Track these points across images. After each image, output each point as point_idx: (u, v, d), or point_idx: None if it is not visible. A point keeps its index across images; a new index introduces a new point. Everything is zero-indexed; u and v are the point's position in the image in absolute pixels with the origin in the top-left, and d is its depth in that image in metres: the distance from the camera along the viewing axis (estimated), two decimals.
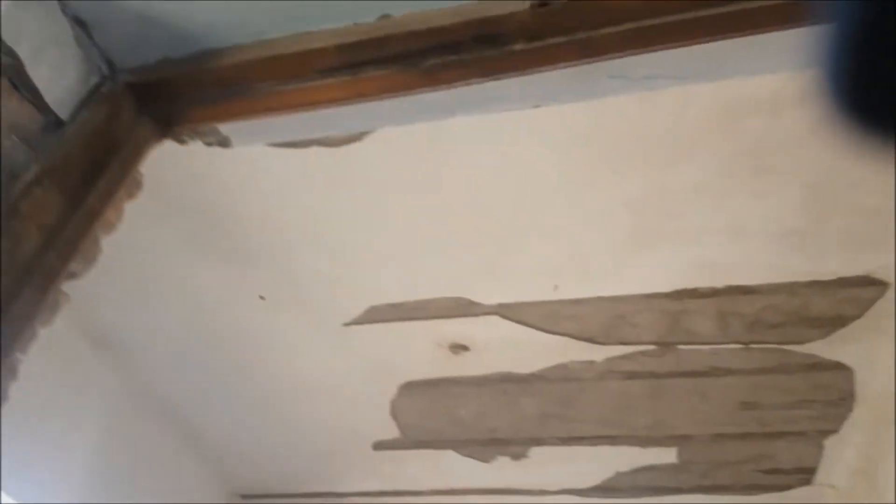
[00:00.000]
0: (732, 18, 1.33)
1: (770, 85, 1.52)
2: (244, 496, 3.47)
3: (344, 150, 1.77)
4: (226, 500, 3.41)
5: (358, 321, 2.36)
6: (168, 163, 1.72)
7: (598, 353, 2.35)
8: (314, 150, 1.77)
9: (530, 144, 1.72)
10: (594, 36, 1.38)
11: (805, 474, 2.79)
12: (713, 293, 2.08)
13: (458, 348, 2.43)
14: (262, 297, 2.32)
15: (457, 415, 2.74)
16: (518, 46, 1.40)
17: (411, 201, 1.90)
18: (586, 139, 1.70)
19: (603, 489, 3.05)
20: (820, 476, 2.78)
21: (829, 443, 2.60)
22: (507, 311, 2.24)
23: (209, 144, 1.75)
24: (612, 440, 2.74)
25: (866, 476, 2.50)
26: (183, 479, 3.10)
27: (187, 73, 1.52)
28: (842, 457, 2.63)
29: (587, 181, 1.80)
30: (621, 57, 1.41)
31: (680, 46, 1.39)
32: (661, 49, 1.39)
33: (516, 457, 2.94)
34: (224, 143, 1.75)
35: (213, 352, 2.58)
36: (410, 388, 2.66)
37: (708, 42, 1.37)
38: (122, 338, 2.51)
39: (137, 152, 1.58)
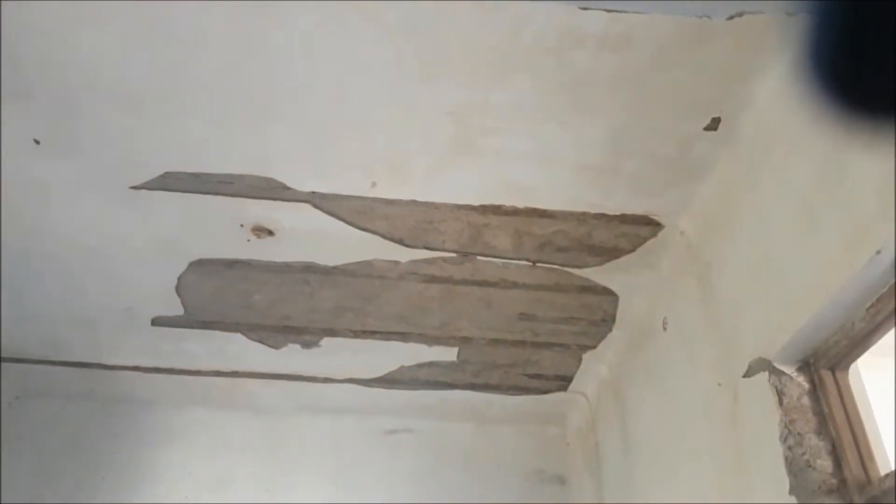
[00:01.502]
0: None
1: (600, 22, 1.57)
2: None
3: None
4: None
5: (149, 186, 2.14)
6: None
7: (404, 255, 2.40)
8: None
9: (368, 31, 1.63)
10: None
11: (563, 381, 3.19)
12: (514, 212, 2.20)
13: (262, 231, 2.32)
14: (36, 141, 1.99)
15: (250, 299, 2.67)
16: None
17: (228, 59, 1.71)
18: (425, 37, 1.64)
19: (385, 380, 3.22)
20: (575, 384, 3.20)
21: (587, 357, 2.97)
22: (321, 201, 2.18)
23: None
24: (403, 337, 2.87)
25: (613, 389, 2.92)
26: None
27: None
28: (596, 370, 3.04)
29: (417, 82, 1.76)
30: None
31: None
32: None
33: (307, 345, 2.96)
34: None
35: None
36: (202, 266, 2.52)
37: None
38: None
39: None
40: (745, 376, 1.75)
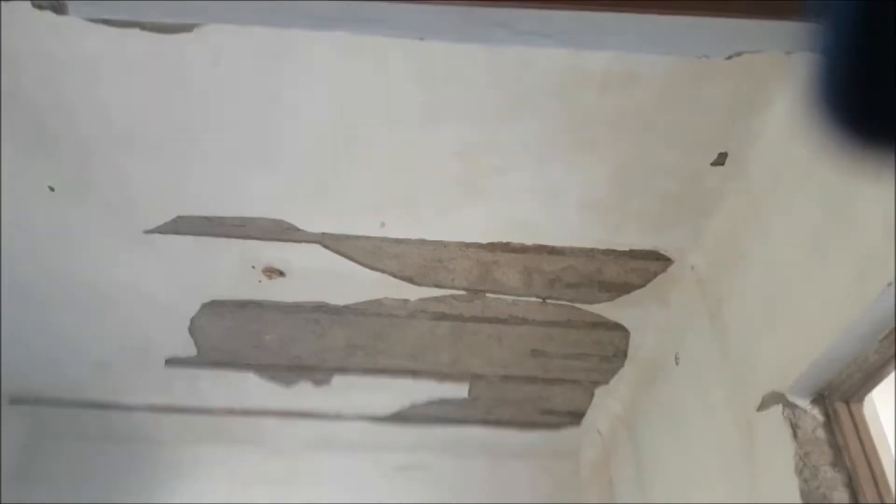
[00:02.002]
0: None
1: (603, 61, 1.60)
2: (13, 400, 3.14)
3: (169, 39, 1.57)
4: None
5: (162, 230, 2.18)
6: None
7: (413, 293, 2.42)
8: (134, 32, 1.55)
9: (375, 74, 1.66)
10: None
11: (575, 417, 3.16)
12: (523, 249, 2.22)
13: (273, 273, 2.35)
14: (51, 188, 2.04)
15: (262, 339, 2.68)
16: None
17: (239, 108, 1.75)
18: (431, 79, 1.67)
19: (397, 417, 3.20)
20: (587, 420, 3.17)
21: (599, 392, 2.95)
22: (331, 242, 2.20)
23: (40, 8, 1.47)
24: (414, 374, 2.86)
25: (626, 425, 2.89)
26: None
27: None
28: (608, 406, 3.01)
29: (423, 123, 1.79)
30: (511, 8, 1.40)
31: (568, 9, 1.40)
32: (551, 8, 1.40)
33: (318, 383, 2.96)
34: (58, 9, 1.48)
35: None
36: (215, 308, 2.54)
37: (595, 11, 1.40)
38: None
39: None
40: (758, 410, 1.73)
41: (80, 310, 2.57)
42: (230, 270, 2.35)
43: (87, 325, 2.65)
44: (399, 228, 2.15)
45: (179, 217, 2.13)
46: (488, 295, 2.41)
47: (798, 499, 1.52)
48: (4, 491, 3.17)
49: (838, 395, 1.57)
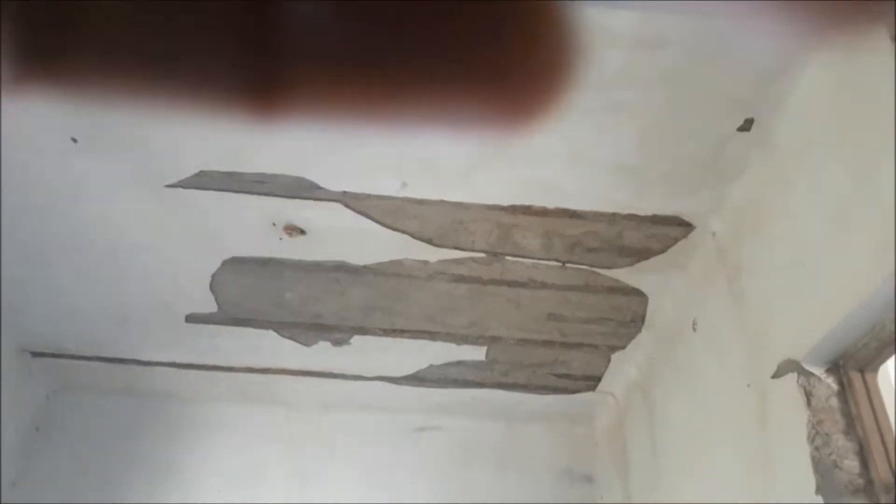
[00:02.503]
0: None
1: (633, 22, 1.57)
2: (34, 353, 3.23)
3: None
4: (13, 355, 3.15)
5: (184, 185, 2.19)
6: None
7: (433, 255, 2.43)
8: None
9: None
10: None
11: (591, 382, 3.19)
12: (544, 212, 2.21)
13: (294, 230, 2.37)
14: (73, 140, 2.06)
15: (282, 297, 2.72)
16: None
17: None
18: None
19: (414, 378, 3.25)
20: (603, 384, 3.19)
21: (616, 357, 2.97)
22: (352, 201, 2.21)
23: None
24: (431, 336, 2.89)
25: (642, 390, 2.91)
26: None
27: None
28: (624, 371, 3.03)
29: None
30: None
31: None
32: None
33: (338, 343, 3.00)
34: None
35: (10, 195, 2.26)
36: (235, 264, 2.57)
37: None
38: None
39: None
40: (773, 377, 1.74)
41: (101, 264, 2.60)
42: (251, 227, 2.37)
43: (109, 279, 2.69)
44: (420, 189, 2.15)
45: (202, 172, 2.14)
46: (508, 258, 2.42)
47: (809, 466, 1.53)
48: (26, 443, 3.27)
49: (853, 365, 1.58)
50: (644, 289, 2.52)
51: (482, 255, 2.41)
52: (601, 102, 1.80)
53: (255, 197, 2.22)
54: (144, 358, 3.23)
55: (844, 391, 1.59)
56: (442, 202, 2.19)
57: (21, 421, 3.26)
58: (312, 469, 3.35)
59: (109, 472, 3.28)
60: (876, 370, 1.57)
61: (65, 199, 2.29)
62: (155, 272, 2.64)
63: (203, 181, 2.17)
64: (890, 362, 1.56)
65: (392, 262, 2.48)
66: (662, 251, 2.31)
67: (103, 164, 2.13)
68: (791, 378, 1.66)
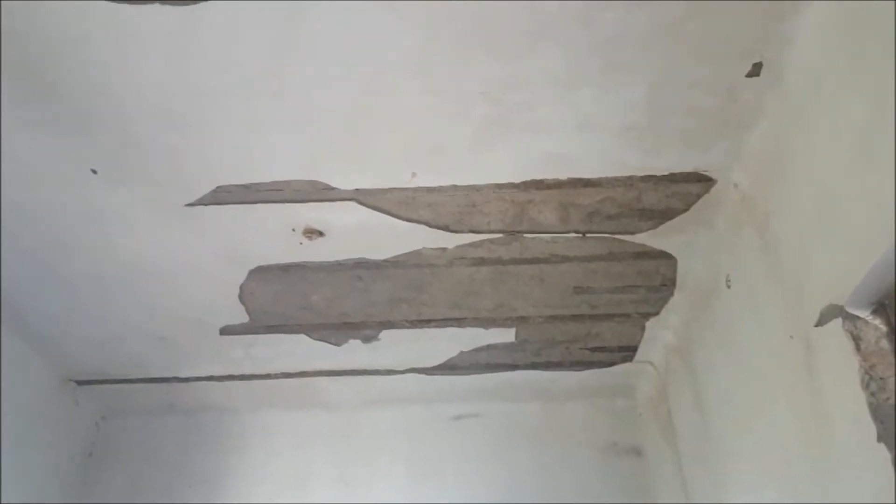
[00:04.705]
0: None
1: None
2: (79, 381, 3.31)
3: (190, 9, 1.58)
4: (58, 384, 3.24)
5: (203, 202, 2.22)
6: None
7: (450, 241, 2.41)
8: (157, 7, 1.57)
9: (392, 21, 1.63)
10: None
11: (627, 352, 3.14)
12: (557, 185, 2.17)
13: (313, 233, 2.38)
14: (94, 171, 2.09)
15: (309, 300, 2.73)
16: None
17: (260, 66, 1.75)
18: (448, 20, 1.63)
19: (447, 367, 3.24)
20: (640, 354, 3.14)
21: (650, 324, 2.91)
22: (365, 197, 2.21)
23: None
24: (458, 322, 2.88)
25: (681, 354, 2.85)
26: (11, 365, 2.88)
27: None
28: (661, 337, 2.98)
29: (446, 66, 1.75)
30: None
31: None
32: None
33: (367, 339, 3.01)
34: None
35: (39, 230, 2.33)
36: (261, 273, 2.59)
37: None
38: None
39: None
40: (817, 325, 1.68)
41: (132, 289, 2.66)
42: (272, 235, 2.39)
43: (142, 302, 2.74)
44: (430, 177, 2.13)
45: (219, 188, 2.17)
46: (526, 235, 2.39)
47: (867, 413, 1.47)
48: (81, 469, 3.37)
49: None
50: (671, 250, 2.46)
51: (499, 235, 2.38)
52: (601, 64, 1.75)
53: (273, 205, 2.24)
54: (184, 375, 3.29)
55: (895, 331, 1.52)
56: (453, 187, 2.17)
57: (74, 449, 3.37)
58: (357, 467, 3.39)
59: (163, 489, 3.37)
60: None
61: (91, 229, 2.34)
62: (185, 290, 2.68)
63: (221, 196, 2.20)
64: None
65: (411, 254, 2.47)
66: (685, 209, 2.25)
67: (124, 192, 2.18)
68: (836, 324, 1.59)
